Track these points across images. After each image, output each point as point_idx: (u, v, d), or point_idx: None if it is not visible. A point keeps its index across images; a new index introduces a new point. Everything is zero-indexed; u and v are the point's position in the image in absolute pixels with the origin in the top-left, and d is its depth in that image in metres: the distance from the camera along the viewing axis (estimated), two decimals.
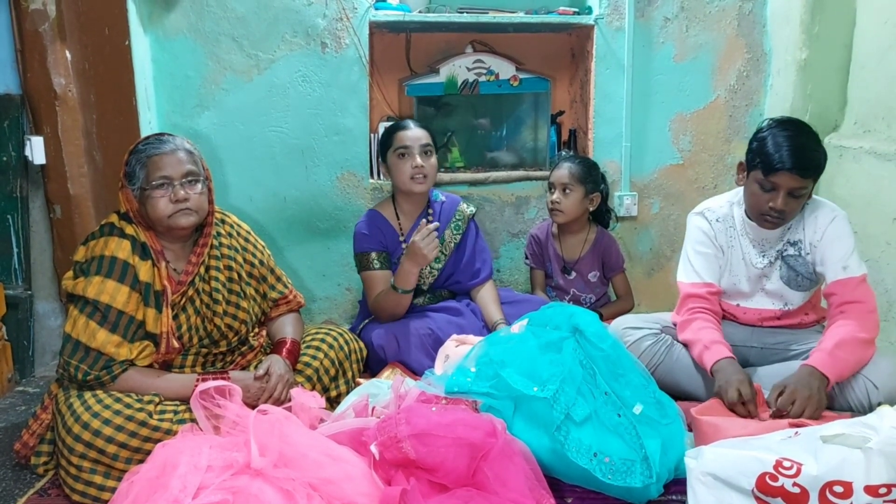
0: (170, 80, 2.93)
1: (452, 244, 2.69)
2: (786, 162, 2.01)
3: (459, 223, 2.71)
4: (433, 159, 2.59)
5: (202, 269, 2.08)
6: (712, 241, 2.26)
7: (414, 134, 2.56)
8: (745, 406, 1.92)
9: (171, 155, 1.98)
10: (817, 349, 2.04)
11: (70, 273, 2.00)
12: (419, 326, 2.50)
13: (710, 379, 2.17)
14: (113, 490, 1.72)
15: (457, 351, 2.33)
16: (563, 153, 3.10)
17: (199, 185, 2.01)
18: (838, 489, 1.45)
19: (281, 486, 1.61)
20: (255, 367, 2.17)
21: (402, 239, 2.63)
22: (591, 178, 2.80)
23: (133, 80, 2.73)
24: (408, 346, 2.46)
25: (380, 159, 2.72)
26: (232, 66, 2.95)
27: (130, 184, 1.98)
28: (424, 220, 2.51)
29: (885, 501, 1.42)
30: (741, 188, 2.23)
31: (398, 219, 2.65)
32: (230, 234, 2.19)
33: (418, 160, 2.53)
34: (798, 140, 2.04)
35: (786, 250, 2.21)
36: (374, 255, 2.59)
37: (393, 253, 2.62)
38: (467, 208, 2.74)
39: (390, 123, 2.79)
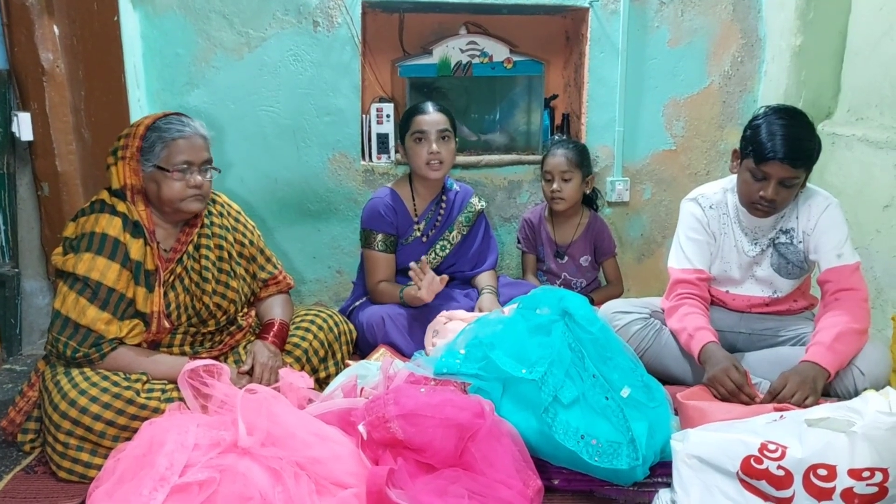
0: (159, 58, 2.90)
1: (459, 236, 2.70)
2: (777, 151, 2.00)
3: (469, 215, 2.71)
4: (451, 144, 2.57)
5: (191, 248, 2.07)
6: (705, 228, 2.26)
7: (432, 118, 2.54)
8: (740, 391, 1.92)
9: (193, 139, 1.98)
10: (816, 342, 2.03)
11: (59, 249, 1.98)
12: (411, 310, 2.51)
13: (697, 364, 2.18)
14: (99, 467, 1.72)
15: (446, 327, 2.34)
16: (555, 138, 3.09)
17: (211, 173, 2.03)
18: (822, 472, 1.46)
19: (268, 465, 1.61)
20: (244, 348, 2.17)
21: (415, 220, 2.64)
22: (586, 161, 2.80)
23: (122, 56, 2.70)
24: (398, 329, 2.47)
25: (398, 141, 2.70)
26: (222, 44, 2.92)
27: (144, 159, 1.97)
28: (421, 263, 2.46)
29: (868, 485, 1.44)
30: (735, 175, 2.23)
31: (413, 200, 2.65)
32: (221, 214, 2.18)
33: (434, 146, 2.51)
34: (792, 130, 2.02)
35: (778, 238, 2.21)
36: (380, 236, 2.58)
37: (404, 233, 2.63)
38: (478, 203, 2.75)
39: (410, 105, 2.76)
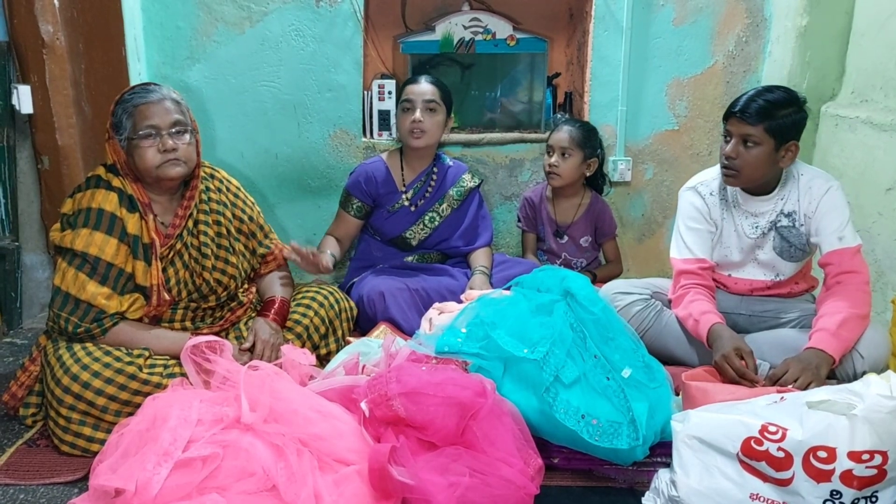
0: (160, 31, 2.87)
1: (450, 209, 2.71)
2: (735, 106, 2.06)
3: (461, 191, 2.73)
4: (438, 117, 2.59)
5: (190, 223, 2.06)
6: (706, 217, 2.25)
7: (420, 88, 2.58)
8: (742, 378, 1.92)
9: (158, 104, 1.95)
10: (820, 328, 2.02)
11: (57, 225, 1.98)
12: (409, 285, 2.52)
13: (698, 344, 2.18)
14: (102, 442, 1.73)
15: (440, 318, 2.33)
16: (561, 116, 3.07)
17: (187, 136, 1.98)
18: (822, 454, 1.47)
19: (271, 441, 1.62)
20: (245, 325, 2.17)
21: (402, 190, 2.68)
22: (591, 143, 2.78)
23: (122, 29, 2.68)
24: (397, 305, 2.47)
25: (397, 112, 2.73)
26: (224, 18, 2.89)
27: (117, 134, 1.95)
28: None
29: (867, 467, 1.45)
30: None
31: (402, 170, 2.68)
32: (219, 190, 2.16)
33: (418, 115, 2.54)
34: (761, 92, 2.07)
35: (779, 221, 2.21)
36: (356, 202, 2.67)
37: (386, 203, 2.67)
38: (471, 180, 2.75)
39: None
